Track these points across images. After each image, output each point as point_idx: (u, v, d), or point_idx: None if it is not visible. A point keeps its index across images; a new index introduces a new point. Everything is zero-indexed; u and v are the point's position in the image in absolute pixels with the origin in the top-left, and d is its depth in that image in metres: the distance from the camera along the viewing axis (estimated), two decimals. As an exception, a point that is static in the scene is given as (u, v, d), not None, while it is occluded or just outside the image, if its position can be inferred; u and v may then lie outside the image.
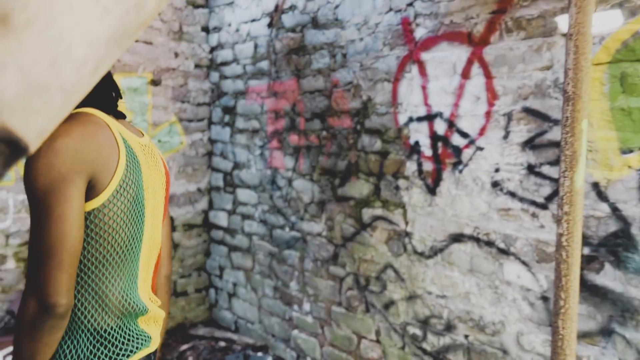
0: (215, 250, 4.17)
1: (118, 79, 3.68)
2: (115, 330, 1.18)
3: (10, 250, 3.29)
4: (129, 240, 1.18)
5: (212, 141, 4.18)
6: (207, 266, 4.25)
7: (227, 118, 3.99)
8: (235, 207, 3.93)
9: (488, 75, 2.32)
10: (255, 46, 3.66)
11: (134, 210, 1.18)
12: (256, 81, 3.67)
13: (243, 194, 3.85)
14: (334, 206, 3.11)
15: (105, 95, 1.23)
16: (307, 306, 3.32)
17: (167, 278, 1.53)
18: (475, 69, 2.37)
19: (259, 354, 3.62)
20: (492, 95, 2.31)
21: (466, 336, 2.45)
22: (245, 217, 3.84)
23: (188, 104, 4.08)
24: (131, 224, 1.17)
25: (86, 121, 1.11)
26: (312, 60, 3.21)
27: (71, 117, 1.11)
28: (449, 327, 2.52)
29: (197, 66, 4.10)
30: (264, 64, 3.59)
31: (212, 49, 4.12)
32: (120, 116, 1.29)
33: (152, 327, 1.32)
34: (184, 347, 3.76)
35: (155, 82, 3.89)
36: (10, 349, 3.02)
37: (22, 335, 1.05)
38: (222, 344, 3.83)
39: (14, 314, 3.13)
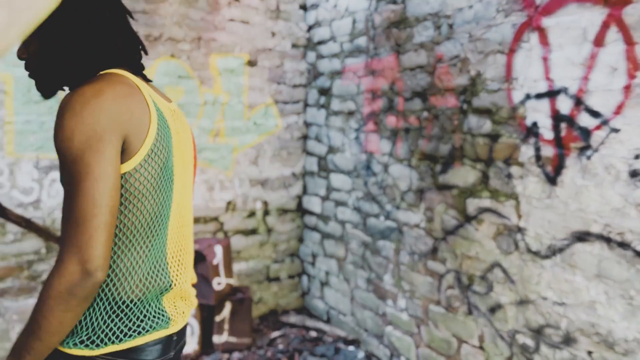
0: (308, 236, 4.03)
1: (214, 59, 3.64)
2: (134, 304, 1.11)
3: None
4: (157, 208, 1.12)
5: (307, 124, 4.03)
6: (300, 252, 4.13)
7: (322, 100, 3.81)
8: (329, 193, 3.76)
9: (629, 42, 1.90)
10: (354, 22, 3.42)
11: (164, 176, 1.12)
12: (353, 59, 3.44)
13: (337, 180, 3.66)
14: (434, 195, 2.81)
15: (129, 50, 1.19)
16: (402, 302, 3.07)
17: None
18: (612, 35, 1.96)
19: (350, 348, 3.44)
20: (634, 66, 1.89)
21: (589, 352, 2.07)
22: (338, 203, 3.65)
23: (284, 85, 3.95)
24: (160, 191, 1.12)
25: (116, 81, 1.06)
26: (414, 33, 2.92)
27: (100, 78, 1.07)
28: (568, 340, 2.15)
29: (293, 46, 3.95)
30: (362, 41, 3.34)
31: (310, 28, 3.94)
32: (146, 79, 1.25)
33: (179, 305, 1.23)
34: (275, 334, 3.68)
35: (251, 63, 3.80)
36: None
37: (53, 305, 0.97)
38: (313, 334, 3.69)
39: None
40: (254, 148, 3.86)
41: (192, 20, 3.54)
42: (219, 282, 3.38)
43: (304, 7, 3.95)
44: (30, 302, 3.13)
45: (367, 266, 3.37)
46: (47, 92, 1.16)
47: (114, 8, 1.15)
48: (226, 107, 3.72)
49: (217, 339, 3.43)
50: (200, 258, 3.39)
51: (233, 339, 3.47)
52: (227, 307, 3.46)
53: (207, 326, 3.47)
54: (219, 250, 3.42)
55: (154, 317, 1.14)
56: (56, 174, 3.19)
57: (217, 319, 3.43)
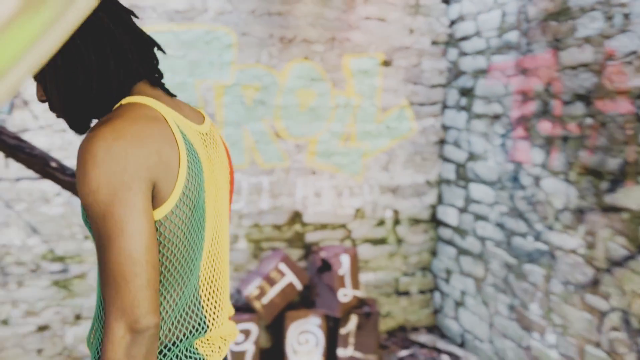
0: (442, 250, 3.72)
1: (348, 60, 3.48)
2: (163, 354, 1.02)
3: (242, 230, 3.39)
4: (188, 253, 1.01)
5: (444, 127, 3.71)
6: (432, 267, 3.83)
7: (463, 101, 3.47)
8: (468, 205, 3.41)
9: None
10: (503, 15, 3.04)
11: (195, 217, 1.01)
12: (501, 57, 3.06)
13: (477, 190, 3.30)
14: (597, 217, 2.37)
15: (144, 57, 1.04)
16: (551, 337, 2.65)
17: None
18: None
19: (487, 379, 3.09)
20: None
21: None
22: (478, 217, 3.29)
23: (421, 85, 3.67)
24: (191, 234, 1.00)
25: (139, 117, 0.93)
26: (578, 26, 2.48)
27: (120, 113, 0.93)
28: None
29: (433, 43, 3.66)
30: (512, 36, 2.95)
31: (452, 23, 3.61)
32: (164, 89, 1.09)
33: (215, 341, 1.12)
34: (403, 353, 3.44)
35: (386, 63, 3.58)
36: (238, 326, 3.10)
37: None
38: (445, 357, 3.39)
39: (240, 292, 3.22)
40: (386, 153, 3.64)
41: (326, 20, 3.41)
42: (345, 294, 3.23)
43: (446, 1, 3.63)
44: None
45: (510, 291, 2.98)
46: (79, 128, 1.06)
47: (116, 17, 0.99)
48: (358, 109, 3.54)
49: (341, 352, 3.29)
50: (326, 267, 3.27)
51: (358, 354, 3.31)
52: (353, 320, 3.30)
53: (332, 338, 3.34)
54: (345, 260, 3.27)
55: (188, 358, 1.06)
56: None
57: (342, 331, 3.29)
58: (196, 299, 1.07)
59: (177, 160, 0.95)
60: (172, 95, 1.10)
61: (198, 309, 1.07)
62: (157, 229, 0.95)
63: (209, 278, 1.10)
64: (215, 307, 1.11)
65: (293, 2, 3.33)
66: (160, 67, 3.12)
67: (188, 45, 3.16)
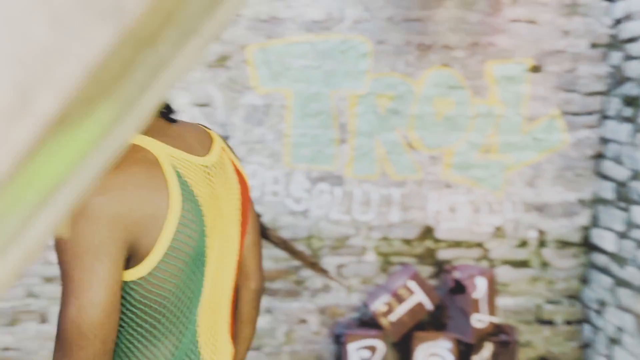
0: (595, 278, 3.29)
1: (491, 66, 3.23)
2: None
3: (371, 242, 3.31)
4: (185, 302, 0.94)
5: (603, 140, 3.28)
6: (582, 296, 3.41)
7: (627, 111, 3.04)
8: (629, 230, 2.97)
9: None
10: (682, 10, 2.60)
11: (190, 268, 0.92)
12: (678, 60, 2.62)
13: (642, 214, 2.86)
14: None
15: None
16: None
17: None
18: None
19: None
20: None
21: None
22: (642, 245, 2.85)
23: (575, 93, 3.29)
24: (186, 284, 0.93)
25: (127, 163, 0.85)
26: None
27: None
28: None
29: (592, 46, 3.26)
30: (695, 35, 2.50)
31: (616, 22, 3.19)
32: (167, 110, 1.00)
33: None
34: (543, 388, 3.11)
35: (535, 69, 3.26)
36: (365, 342, 3.03)
37: None
38: (594, 401, 2.99)
39: (367, 307, 3.13)
40: (531, 167, 3.32)
41: (469, 24, 3.20)
42: (480, 319, 2.99)
43: (608, -3, 3.22)
44: (295, 305, 3.28)
45: (680, 335, 2.53)
46: None
47: None
48: (501, 119, 3.27)
49: (472, 381, 3.06)
50: (459, 289, 3.06)
51: (491, 385, 3.05)
52: (488, 348, 3.05)
53: (463, 364, 3.12)
54: (481, 283, 3.03)
55: None
56: (324, 186, 3.26)
57: (476, 359, 3.05)
58: (194, 345, 1.00)
59: (166, 210, 0.87)
60: (173, 121, 1.02)
61: (195, 355, 1.00)
62: (142, 285, 0.88)
63: (208, 320, 1.03)
64: (212, 351, 1.05)
65: (433, 7, 3.18)
66: (297, 77, 3.16)
67: (324, 55, 3.16)
